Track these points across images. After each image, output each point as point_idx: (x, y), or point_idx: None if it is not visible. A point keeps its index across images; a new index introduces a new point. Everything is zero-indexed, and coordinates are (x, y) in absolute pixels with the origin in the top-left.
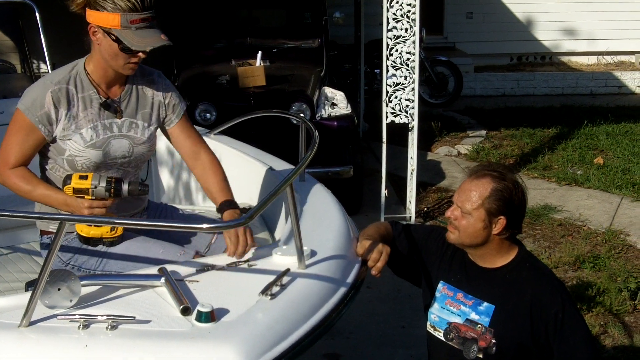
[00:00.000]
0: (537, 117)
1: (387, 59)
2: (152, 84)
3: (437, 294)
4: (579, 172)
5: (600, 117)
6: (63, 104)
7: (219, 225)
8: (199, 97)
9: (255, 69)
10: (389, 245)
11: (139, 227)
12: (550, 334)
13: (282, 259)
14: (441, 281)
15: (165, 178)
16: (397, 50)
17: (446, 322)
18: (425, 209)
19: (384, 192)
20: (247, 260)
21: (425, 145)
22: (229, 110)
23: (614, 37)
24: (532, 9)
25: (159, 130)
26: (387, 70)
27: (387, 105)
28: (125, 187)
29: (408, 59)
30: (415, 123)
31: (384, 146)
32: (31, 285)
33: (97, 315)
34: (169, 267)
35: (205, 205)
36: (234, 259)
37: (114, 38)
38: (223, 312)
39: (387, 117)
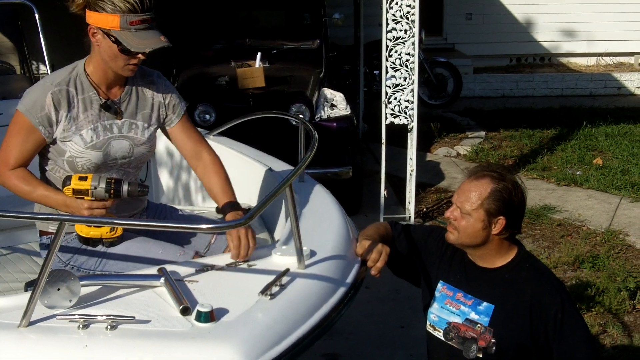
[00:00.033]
0: (536, 118)
1: (387, 60)
2: (151, 85)
3: (437, 294)
4: (578, 173)
5: (600, 118)
6: (63, 106)
7: (218, 226)
8: (198, 98)
9: (254, 70)
10: (388, 246)
11: (138, 228)
12: (550, 334)
13: (282, 259)
14: (441, 281)
15: (165, 179)
16: (396, 52)
17: (446, 322)
18: (425, 209)
19: (383, 192)
20: (247, 261)
21: (424, 146)
22: (228, 112)
23: (613, 38)
24: (531, 10)
25: (158, 130)
26: (387, 72)
27: (386, 107)
28: (124, 188)
29: (407, 60)
30: (414, 124)
31: (383, 147)
32: (31, 285)
33: (96, 316)
34: (169, 268)
35: (205, 206)
36: (232, 259)
37: (114, 39)
38: (222, 312)
39: (386, 118)
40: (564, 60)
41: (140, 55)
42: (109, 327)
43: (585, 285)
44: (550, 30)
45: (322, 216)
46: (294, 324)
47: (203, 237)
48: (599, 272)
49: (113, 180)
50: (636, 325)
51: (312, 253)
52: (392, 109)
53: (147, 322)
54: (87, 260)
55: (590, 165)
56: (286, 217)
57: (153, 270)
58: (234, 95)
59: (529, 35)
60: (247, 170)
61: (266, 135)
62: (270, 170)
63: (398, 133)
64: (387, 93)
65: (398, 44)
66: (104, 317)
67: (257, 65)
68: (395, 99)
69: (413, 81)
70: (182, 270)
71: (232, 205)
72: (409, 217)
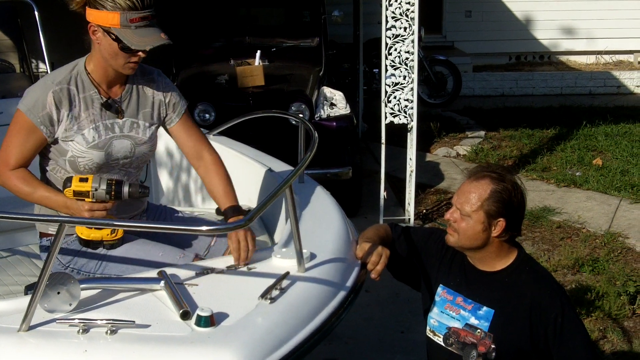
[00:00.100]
0: (535, 117)
1: (386, 58)
2: (152, 83)
3: (437, 298)
4: (577, 174)
5: (599, 118)
6: (65, 105)
7: (218, 227)
8: (197, 97)
9: (254, 69)
10: (388, 248)
11: (138, 230)
12: (550, 338)
13: (282, 262)
14: (441, 285)
15: (165, 180)
16: (396, 50)
17: (445, 327)
18: (424, 210)
19: (382, 193)
20: (247, 263)
21: (424, 146)
22: (228, 110)
23: (613, 36)
24: (530, 8)
25: (161, 130)
26: (386, 70)
27: (386, 106)
28: (125, 189)
29: (407, 58)
30: (414, 123)
31: (383, 147)
32: (30, 288)
33: (96, 320)
34: (169, 271)
35: (205, 207)
36: (234, 262)
37: (114, 37)
38: (222, 316)
39: (386, 117)
40: (564, 58)
41: (140, 53)
42: (109, 331)
43: (585, 289)
44: (550, 28)
45: (322, 218)
46: (294, 328)
47: (203, 240)
48: (599, 276)
49: (114, 182)
50: (636, 331)
51: (312, 256)
52: (391, 108)
53: (147, 326)
54: (87, 263)
55: (590, 166)
56: (286, 219)
57: (153, 273)
58: (234, 93)
59: (529, 33)
60: (246, 171)
61: (266, 134)
62: (270, 170)
63: (397, 132)
64: (386, 92)
65: (397, 42)
66: (104, 322)
67: (256, 63)
68: (394, 97)
69: (413, 79)
70: (182, 273)
71: (234, 209)
72: (409, 218)
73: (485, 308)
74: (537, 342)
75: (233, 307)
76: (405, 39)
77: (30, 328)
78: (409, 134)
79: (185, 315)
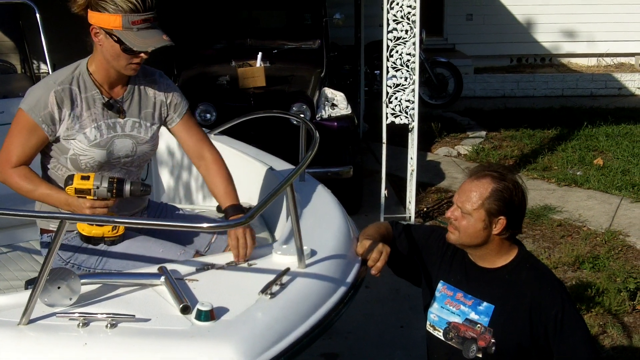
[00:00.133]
0: (536, 119)
1: (387, 60)
2: (153, 84)
3: (437, 294)
4: (578, 173)
5: (600, 119)
6: (66, 104)
7: (219, 225)
8: (199, 97)
9: (255, 70)
10: (389, 245)
11: (139, 227)
12: (550, 334)
13: (282, 259)
14: (441, 281)
15: (165, 177)
16: (397, 52)
17: (445, 322)
18: (425, 209)
19: (383, 192)
20: (247, 260)
21: (425, 146)
22: (229, 111)
23: (614, 38)
24: (531, 11)
25: (162, 129)
26: (387, 72)
27: (387, 106)
28: (127, 187)
29: (408, 60)
30: (415, 124)
31: (384, 147)
32: (31, 283)
33: (96, 314)
34: (169, 266)
35: (205, 205)
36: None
37: (116, 39)
38: (223, 311)
39: (387, 117)
40: (565, 60)
41: (142, 55)
42: (108, 325)
43: (586, 285)
44: (551, 31)
45: (323, 215)
46: (293, 323)
47: (203, 236)
48: (599, 273)
49: (115, 180)
50: (636, 326)
51: (313, 252)
52: (392, 109)
53: (147, 320)
54: (88, 259)
55: (591, 166)
56: (287, 216)
57: (154, 269)
58: (235, 94)
59: (530, 35)
60: (248, 169)
61: (267, 134)
62: (271, 169)
63: (398, 133)
64: (387, 93)
65: (399, 44)
66: (104, 316)
67: (258, 64)
68: (396, 98)
69: (414, 81)
70: (183, 269)
71: (235, 207)
72: (410, 216)
73: (485, 304)
74: (537, 338)
75: (233, 302)
76: (406, 41)
77: (30, 322)
78: (410, 133)
79: (185, 310)
